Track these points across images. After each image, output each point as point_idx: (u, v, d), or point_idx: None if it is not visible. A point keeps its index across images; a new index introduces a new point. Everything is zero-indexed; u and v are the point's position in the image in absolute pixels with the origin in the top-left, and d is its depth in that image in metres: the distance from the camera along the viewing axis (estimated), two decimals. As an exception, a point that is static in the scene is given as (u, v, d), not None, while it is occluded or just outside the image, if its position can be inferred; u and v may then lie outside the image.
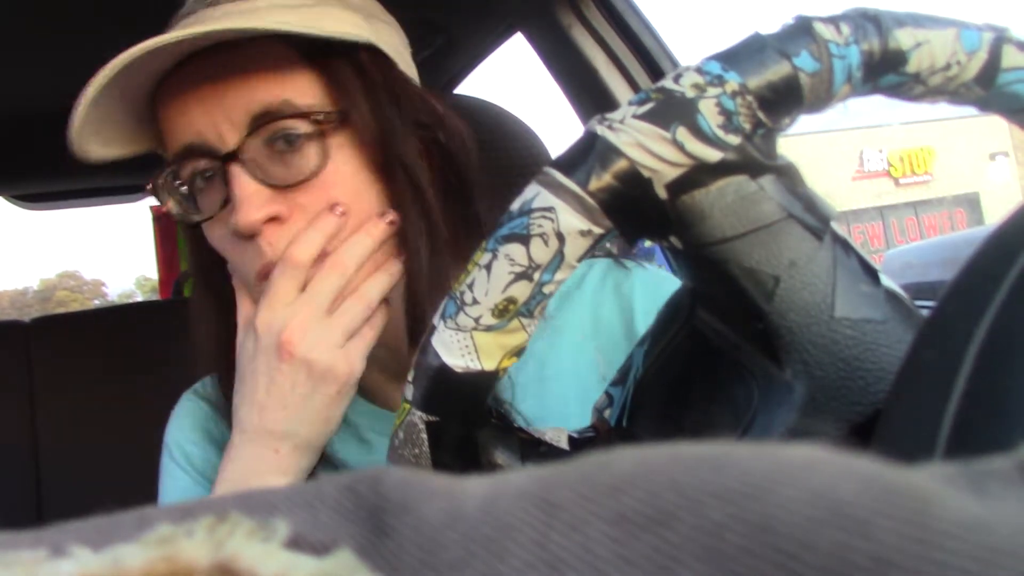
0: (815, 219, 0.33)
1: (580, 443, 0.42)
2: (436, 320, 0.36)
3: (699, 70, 0.31)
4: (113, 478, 1.14)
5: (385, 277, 0.58)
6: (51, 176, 1.80)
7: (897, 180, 17.06)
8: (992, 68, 0.32)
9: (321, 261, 0.56)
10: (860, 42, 0.31)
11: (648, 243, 0.38)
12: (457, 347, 0.35)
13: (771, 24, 0.33)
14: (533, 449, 0.39)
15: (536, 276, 0.33)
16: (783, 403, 0.34)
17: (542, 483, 0.14)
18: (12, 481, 1.38)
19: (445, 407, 0.36)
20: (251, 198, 0.55)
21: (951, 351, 0.24)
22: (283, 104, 0.57)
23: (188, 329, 0.65)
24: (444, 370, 0.35)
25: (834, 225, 0.34)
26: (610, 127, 0.32)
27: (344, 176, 0.58)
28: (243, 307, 0.61)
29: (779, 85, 0.31)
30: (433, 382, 0.36)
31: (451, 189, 0.62)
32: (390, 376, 0.65)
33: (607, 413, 0.44)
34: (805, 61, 0.31)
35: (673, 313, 0.41)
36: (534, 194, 0.33)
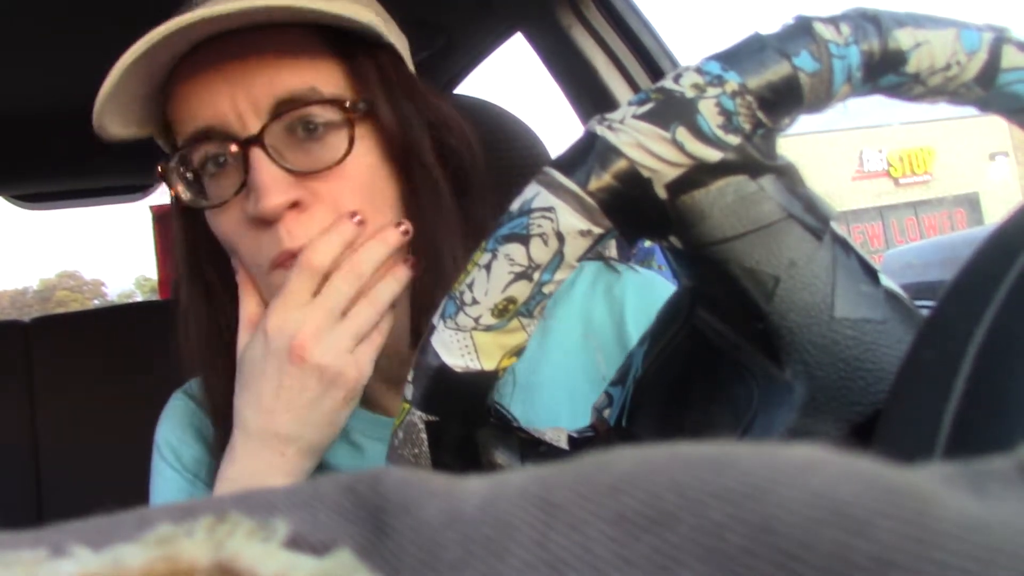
0: (815, 219, 0.33)
1: (580, 443, 0.42)
2: (436, 320, 0.36)
3: (699, 70, 0.31)
4: (113, 478, 1.14)
5: (395, 283, 0.58)
6: (51, 176, 1.80)
7: (897, 180, 17.06)
8: (992, 68, 0.32)
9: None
10: (860, 42, 0.31)
11: (648, 243, 0.38)
12: (457, 347, 0.35)
13: (771, 24, 0.33)
14: (533, 449, 0.39)
15: (536, 276, 0.33)
16: (783, 403, 0.34)
17: (542, 483, 0.14)
18: (12, 481, 1.38)
19: (445, 407, 0.36)
20: (275, 183, 0.55)
21: (951, 351, 0.24)
22: (309, 91, 0.57)
23: (173, 336, 0.65)
24: (444, 370, 0.35)
25: (834, 225, 0.34)
26: (610, 127, 0.32)
27: (364, 167, 0.58)
28: (247, 305, 0.60)
29: (779, 85, 0.31)
30: (433, 382, 0.36)
31: (460, 189, 0.63)
32: (386, 381, 0.65)
33: (607, 413, 0.44)
34: (805, 61, 0.31)
35: (673, 313, 0.41)
36: (534, 194, 0.33)
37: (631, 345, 0.64)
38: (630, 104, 0.32)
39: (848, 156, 16.64)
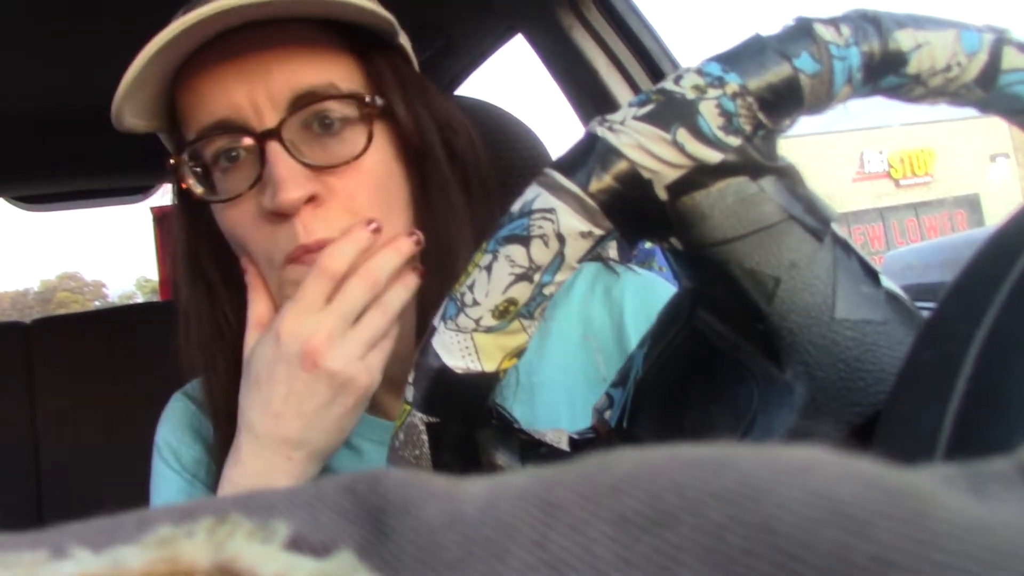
0: (816, 220, 0.33)
1: (580, 444, 0.42)
2: (437, 321, 0.36)
3: (699, 71, 0.31)
4: (113, 478, 1.14)
5: (404, 291, 0.58)
6: (51, 177, 1.80)
7: (897, 181, 17.06)
8: (992, 69, 0.32)
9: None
10: (860, 43, 0.31)
11: (649, 244, 0.38)
12: (457, 348, 0.35)
13: (771, 25, 0.33)
14: (533, 450, 0.39)
15: (536, 277, 0.33)
16: (783, 404, 0.34)
17: (542, 484, 0.14)
18: (12, 481, 1.38)
19: (445, 408, 0.36)
20: (293, 176, 0.55)
21: (951, 352, 0.24)
22: (328, 86, 0.57)
23: (173, 336, 0.65)
24: (444, 371, 0.35)
25: (834, 226, 0.34)
26: (610, 128, 0.32)
27: (380, 164, 0.59)
28: (256, 306, 0.60)
29: (779, 86, 0.31)
30: (433, 383, 0.36)
31: (467, 191, 0.63)
32: (387, 383, 0.65)
33: (607, 414, 0.44)
34: (805, 62, 0.31)
35: (673, 314, 0.41)
36: (534, 195, 0.33)
37: (630, 347, 0.64)
38: (631, 105, 0.32)
39: (849, 157, 16.65)
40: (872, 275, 0.34)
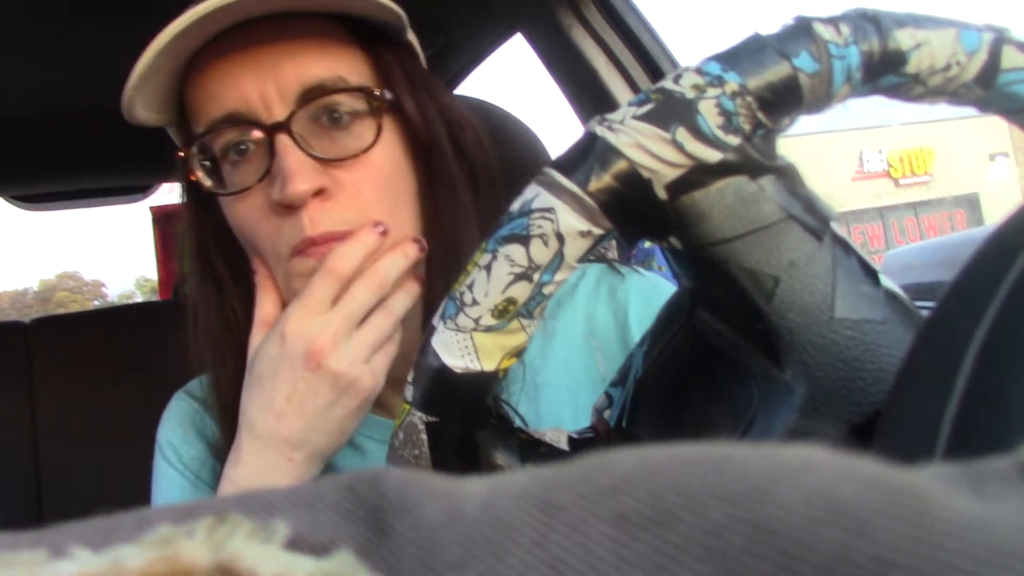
0: (815, 220, 0.33)
1: (580, 444, 0.42)
2: (436, 321, 0.36)
3: (699, 71, 0.31)
4: (113, 478, 1.14)
5: (408, 296, 0.59)
6: (51, 176, 1.80)
7: (897, 181, 17.06)
8: (992, 69, 0.32)
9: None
10: (860, 43, 0.31)
11: (648, 244, 0.38)
12: (457, 348, 0.35)
13: (771, 24, 0.33)
14: (533, 450, 0.39)
15: (536, 277, 0.33)
16: (783, 403, 0.34)
17: (542, 484, 0.14)
18: (12, 481, 1.38)
19: (445, 408, 0.36)
20: (302, 169, 0.55)
21: (951, 351, 0.24)
22: (337, 79, 0.57)
23: (182, 332, 0.65)
24: (444, 371, 0.35)
25: (834, 226, 0.34)
26: (610, 128, 0.32)
27: (388, 158, 0.59)
28: (264, 305, 0.60)
29: (779, 86, 0.31)
30: (433, 383, 0.36)
31: (474, 188, 0.63)
32: (392, 382, 0.65)
33: (607, 414, 0.44)
34: (805, 62, 0.31)
35: (673, 313, 0.41)
36: (534, 195, 0.33)
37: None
38: (630, 105, 0.32)
39: (848, 157, 16.65)
40: (871, 274, 0.34)
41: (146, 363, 1.35)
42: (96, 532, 0.14)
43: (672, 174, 0.32)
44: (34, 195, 1.91)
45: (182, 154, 0.60)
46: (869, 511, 0.12)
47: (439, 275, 0.59)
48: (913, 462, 0.14)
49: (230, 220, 0.61)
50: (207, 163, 0.60)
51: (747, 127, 0.31)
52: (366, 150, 0.57)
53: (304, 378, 0.55)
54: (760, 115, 0.31)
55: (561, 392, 0.65)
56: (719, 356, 0.38)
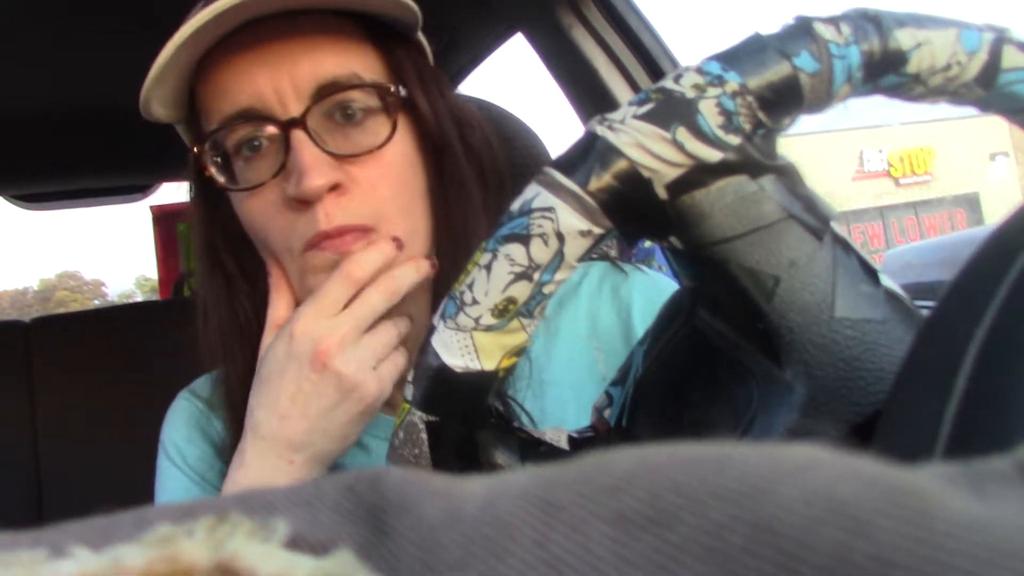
0: (815, 219, 0.33)
1: (580, 443, 0.42)
2: (436, 320, 0.36)
3: (699, 70, 0.31)
4: (113, 478, 1.14)
5: (417, 310, 0.60)
6: (51, 176, 1.80)
7: (897, 180, 17.06)
8: (992, 68, 0.32)
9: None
10: (860, 42, 0.31)
11: (648, 243, 0.38)
12: (457, 347, 0.35)
13: (771, 24, 0.33)
14: (533, 449, 0.39)
15: (536, 276, 0.33)
16: (783, 403, 0.34)
17: (542, 483, 0.14)
18: (11, 479, 1.38)
19: (445, 407, 0.36)
20: (318, 165, 0.56)
21: (951, 351, 0.24)
22: (352, 76, 0.58)
23: (188, 329, 0.65)
24: (444, 370, 0.35)
25: (834, 225, 0.34)
26: (610, 127, 0.32)
27: (401, 155, 0.59)
28: (277, 307, 0.61)
29: (779, 85, 0.31)
30: (433, 382, 0.36)
31: (483, 187, 0.63)
32: (401, 383, 0.65)
33: (607, 413, 0.44)
34: (805, 61, 0.31)
35: (673, 312, 0.41)
36: (534, 194, 0.33)
37: (638, 346, 0.64)
38: (630, 104, 0.32)
39: (848, 156, 16.64)
40: (871, 274, 0.34)
41: (146, 362, 1.35)
42: (96, 532, 0.14)
43: (672, 173, 0.32)
44: (34, 194, 1.91)
45: (196, 150, 0.60)
46: (869, 511, 0.12)
47: (450, 273, 0.59)
48: (913, 462, 0.14)
49: (242, 216, 0.61)
50: (219, 159, 0.60)
51: (747, 127, 0.31)
52: (380, 146, 0.58)
53: (309, 378, 0.55)
54: (760, 115, 0.31)
55: (565, 390, 0.65)
56: (719, 355, 0.38)
